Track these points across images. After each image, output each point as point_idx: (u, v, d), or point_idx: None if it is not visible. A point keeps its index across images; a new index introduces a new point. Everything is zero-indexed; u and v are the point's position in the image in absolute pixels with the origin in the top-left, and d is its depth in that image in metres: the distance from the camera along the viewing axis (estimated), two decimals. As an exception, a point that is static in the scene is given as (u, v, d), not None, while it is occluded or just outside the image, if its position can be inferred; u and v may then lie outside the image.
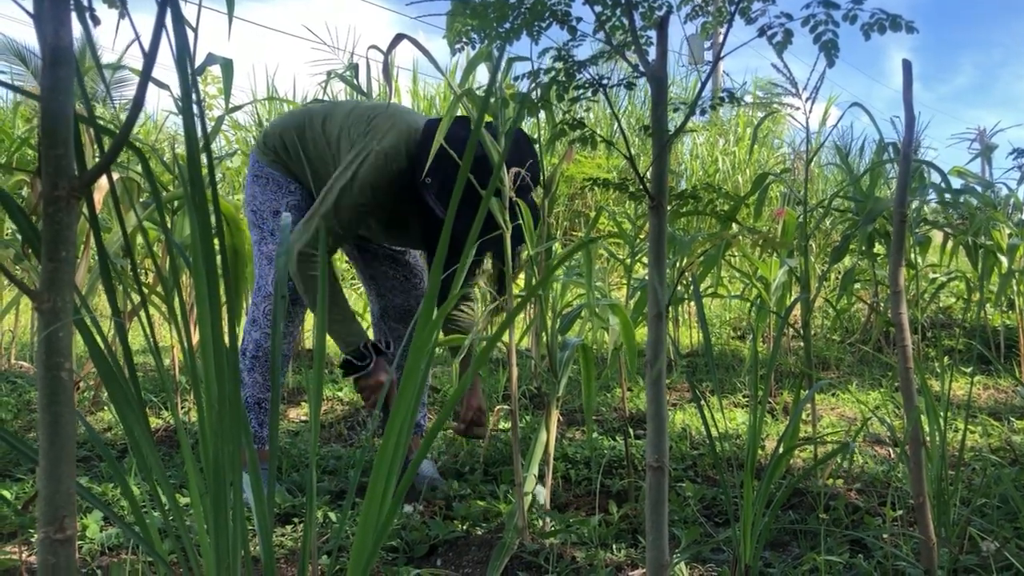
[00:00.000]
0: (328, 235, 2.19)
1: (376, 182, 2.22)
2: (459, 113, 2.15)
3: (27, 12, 0.74)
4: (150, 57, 0.71)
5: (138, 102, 0.71)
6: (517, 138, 2.23)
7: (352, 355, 2.25)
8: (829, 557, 1.71)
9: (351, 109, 2.41)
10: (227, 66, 2.15)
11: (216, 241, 0.87)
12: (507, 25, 1.24)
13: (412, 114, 2.40)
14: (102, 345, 0.85)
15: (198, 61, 2.13)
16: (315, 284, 2.21)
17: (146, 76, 0.72)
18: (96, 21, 0.80)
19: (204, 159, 0.83)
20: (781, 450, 1.57)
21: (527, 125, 6.42)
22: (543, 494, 2.12)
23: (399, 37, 1.71)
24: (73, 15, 0.76)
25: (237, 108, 2.81)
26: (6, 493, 2.19)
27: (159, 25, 0.71)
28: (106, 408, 3.32)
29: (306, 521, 0.88)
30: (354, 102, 2.49)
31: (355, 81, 2.87)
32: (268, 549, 0.85)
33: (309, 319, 4.16)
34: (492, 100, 1.78)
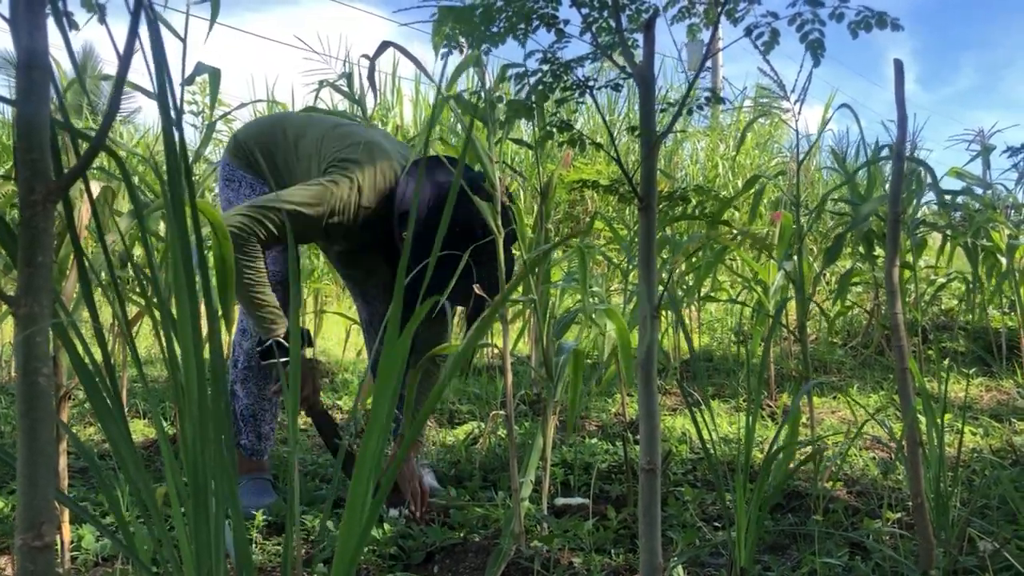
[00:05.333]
0: (270, 228, 2.09)
1: (342, 209, 2.18)
2: (442, 125, 2.13)
3: (1, 16, 0.74)
4: (125, 59, 0.71)
5: (113, 104, 0.71)
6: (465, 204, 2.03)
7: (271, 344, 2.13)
8: (827, 559, 1.70)
9: (325, 132, 2.35)
10: (214, 75, 2.15)
11: (197, 249, 0.86)
12: (494, 28, 1.23)
13: (385, 146, 2.34)
14: (84, 356, 0.84)
15: (188, 70, 2.13)
16: (243, 266, 2.08)
17: (121, 79, 0.71)
18: (73, 26, 0.80)
19: (198, 167, 0.83)
20: (778, 453, 1.56)
21: (524, 128, 6.41)
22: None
23: (384, 45, 1.71)
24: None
25: (224, 115, 2.80)
26: (1, 504, 2.18)
27: (133, 27, 0.70)
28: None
29: (286, 529, 0.88)
30: (332, 122, 2.44)
31: (351, 89, 2.87)
32: (246, 555, 0.85)
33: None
34: (480, 104, 1.78)
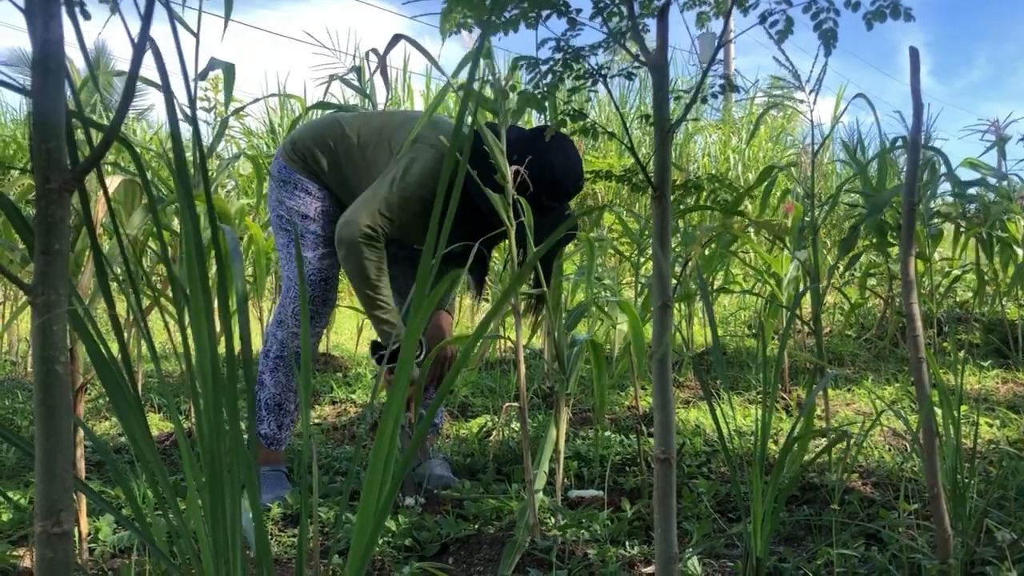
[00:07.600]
0: (382, 222, 2.26)
1: (428, 181, 2.27)
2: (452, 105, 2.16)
3: (18, 7, 0.74)
4: (138, 51, 0.71)
5: (128, 92, 0.71)
6: (565, 145, 2.27)
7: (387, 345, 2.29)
8: (843, 550, 1.69)
9: (386, 119, 2.45)
10: (228, 70, 2.15)
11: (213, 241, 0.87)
12: (506, 15, 1.23)
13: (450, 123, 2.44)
14: (102, 349, 0.85)
15: (201, 65, 2.13)
16: (371, 267, 2.27)
17: (134, 72, 0.72)
18: (86, 16, 0.80)
19: (211, 163, 0.83)
20: (792, 444, 1.55)
21: (533, 119, 6.38)
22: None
23: (396, 38, 1.72)
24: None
25: (238, 111, 2.81)
26: (18, 496, 2.19)
27: (148, 12, 0.70)
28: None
29: (302, 520, 0.88)
30: (386, 111, 2.54)
31: (361, 83, 2.87)
32: (264, 546, 0.85)
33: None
34: (489, 94, 1.77)
